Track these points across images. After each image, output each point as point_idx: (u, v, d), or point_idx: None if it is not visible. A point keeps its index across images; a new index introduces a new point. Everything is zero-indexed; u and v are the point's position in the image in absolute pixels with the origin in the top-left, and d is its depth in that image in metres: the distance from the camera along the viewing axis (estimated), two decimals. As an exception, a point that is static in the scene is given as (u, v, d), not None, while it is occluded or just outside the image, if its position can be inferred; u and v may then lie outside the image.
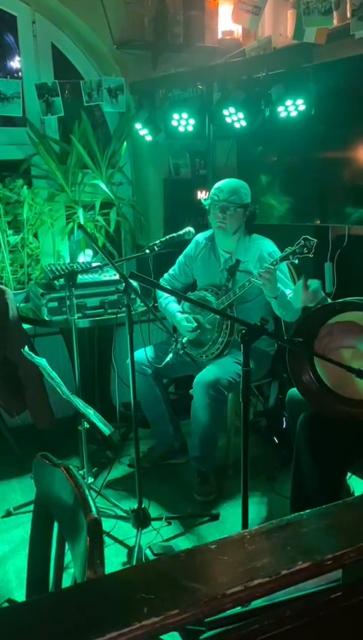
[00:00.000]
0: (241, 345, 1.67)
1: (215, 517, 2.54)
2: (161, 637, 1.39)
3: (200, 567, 0.73)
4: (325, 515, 0.85)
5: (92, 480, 2.75)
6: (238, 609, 0.88)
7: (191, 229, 2.75)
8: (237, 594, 0.68)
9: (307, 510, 0.84)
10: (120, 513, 2.51)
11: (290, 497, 2.18)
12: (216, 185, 2.75)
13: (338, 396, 1.94)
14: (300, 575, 0.72)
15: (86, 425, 2.41)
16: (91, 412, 2.13)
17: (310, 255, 2.35)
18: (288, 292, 2.57)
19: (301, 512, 0.84)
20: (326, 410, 1.95)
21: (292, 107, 2.95)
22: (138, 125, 3.34)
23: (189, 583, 0.69)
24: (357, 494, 2.38)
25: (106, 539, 2.40)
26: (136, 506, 2.32)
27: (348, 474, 2.26)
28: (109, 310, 2.99)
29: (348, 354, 1.86)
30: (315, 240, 2.33)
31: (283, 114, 2.98)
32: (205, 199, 2.80)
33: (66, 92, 3.41)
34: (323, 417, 1.96)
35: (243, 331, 1.65)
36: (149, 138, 3.36)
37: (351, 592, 0.76)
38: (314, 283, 2.07)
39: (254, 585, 0.69)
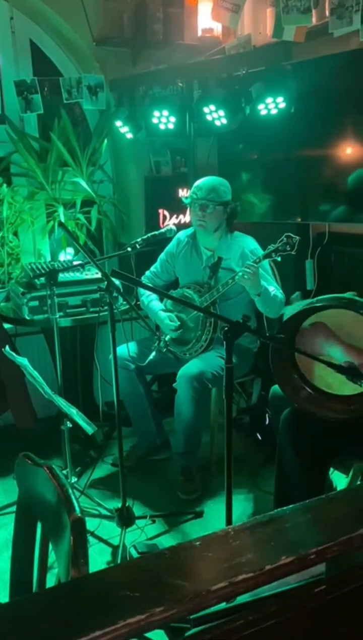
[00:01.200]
0: (224, 342, 1.67)
1: (199, 515, 2.55)
2: (148, 635, 1.39)
3: (185, 564, 0.73)
4: (308, 510, 0.85)
5: (76, 479, 2.73)
6: (223, 605, 0.88)
7: (173, 226, 2.75)
8: (222, 589, 0.68)
9: (290, 505, 0.85)
10: (104, 512, 2.50)
11: (273, 494, 2.19)
12: (196, 183, 2.75)
13: (322, 393, 1.96)
14: (284, 569, 0.72)
15: (69, 424, 2.40)
16: (73, 412, 2.11)
17: (293, 253, 2.36)
18: (272, 289, 2.58)
19: (285, 507, 0.85)
20: (309, 408, 1.96)
21: (272, 105, 2.96)
22: (118, 123, 3.32)
23: (174, 580, 0.69)
24: (339, 488, 2.41)
25: (90, 539, 2.39)
26: (120, 505, 2.31)
27: (331, 469, 2.29)
28: (91, 309, 2.98)
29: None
30: (298, 237, 2.34)
31: (264, 112, 2.99)
32: (186, 197, 2.80)
33: (46, 89, 3.38)
34: (304, 413, 1.97)
35: (226, 328, 1.66)
36: (129, 136, 3.35)
37: (335, 585, 0.77)
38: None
39: (239, 580, 0.69)
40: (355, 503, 0.88)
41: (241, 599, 0.80)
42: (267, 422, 2.97)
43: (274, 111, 2.98)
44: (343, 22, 2.60)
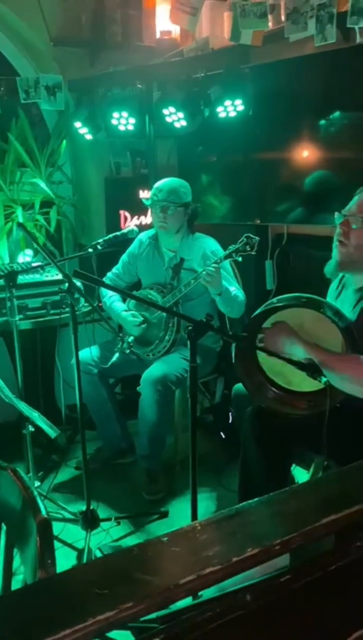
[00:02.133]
0: (188, 342, 1.68)
1: (164, 515, 2.55)
2: (114, 636, 1.38)
3: (152, 559, 0.73)
4: (272, 502, 0.87)
5: (39, 484, 2.70)
6: (189, 600, 0.89)
7: (134, 227, 2.75)
8: (190, 583, 0.69)
9: (255, 499, 0.87)
10: (68, 516, 2.47)
11: (237, 491, 2.22)
12: (156, 184, 2.76)
13: (284, 390, 1.99)
14: (250, 561, 0.74)
15: (31, 428, 2.36)
16: (35, 415, 2.09)
17: (253, 253, 2.40)
18: (232, 289, 2.61)
19: (250, 501, 0.86)
20: (272, 405, 2.00)
21: (231, 108, 3.00)
22: (77, 124, 3.30)
23: (142, 576, 0.69)
24: (301, 484, 2.45)
25: (55, 543, 2.35)
26: (84, 508, 2.30)
27: (293, 465, 2.33)
28: (52, 311, 2.94)
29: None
30: (257, 238, 2.38)
31: (222, 114, 3.03)
32: (146, 199, 2.81)
33: (2, 89, 3.32)
34: (268, 411, 2.00)
35: (190, 327, 1.67)
36: (89, 137, 3.33)
37: (299, 574, 0.79)
38: None
39: (206, 573, 0.70)
40: (317, 495, 0.90)
41: (209, 595, 0.82)
42: (230, 421, 3.00)
43: (232, 114, 3.02)
44: (299, 27, 2.66)
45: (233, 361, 2.02)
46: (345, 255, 1.88)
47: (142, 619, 1.51)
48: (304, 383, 1.91)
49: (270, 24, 2.86)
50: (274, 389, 2.02)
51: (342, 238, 1.88)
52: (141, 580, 0.68)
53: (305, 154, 2.96)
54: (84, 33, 3.37)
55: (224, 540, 0.77)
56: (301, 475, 2.52)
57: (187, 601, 0.92)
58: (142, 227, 3.11)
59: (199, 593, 1.02)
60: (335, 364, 1.74)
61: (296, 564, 0.82)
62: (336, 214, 1.90)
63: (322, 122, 2.87)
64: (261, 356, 2.00)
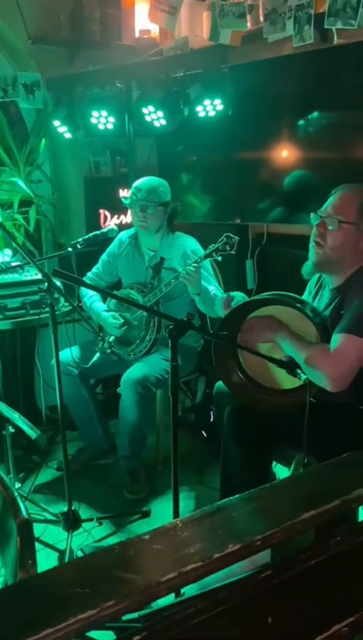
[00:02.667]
0: (169, 341, 1.68)
1: (146, 514, 2.55)
2: (96, 637, 1.38)
3: (134, 557, 0.73)
4: (253, 499, 0.88)
5: (20, 485, 2.68)
6: (171, 598, 0.89)
7: (114, 226, 2.74)
8: (172, 580, 0.69)
9: (236, 495, 0.87)
10: (49, 517, 2.46)
11: (219, 489, 2.23)
12: (135, 184, 2.76)
13: (263, 387, 2.01)
14: (232, 557, 0.74)
15: (11, 429, 2.34)
16: (15, 416, 2.07)
17: (233, 252, 2.41)
18: (212, 289, 2.62)
19: (231, 498, 0.87)
20: (252, 403, 2.01)
21: (210, 107, 3.01)
22: (56, 123, 3.28)
23: (124, 574, 0.69)
24: (282, 481, 2.47)
25: (36, 545, 2.34)
26: (65, 509, 2.28)
27: (274, 463, 2.35)
28: (31, 311, 2.91)
29: (266, 348, 1.92)
30: (237, 237, 2.39)
31: (202, 114, 3.04)
32: (126, 198, 2.80)
33: (-21, 87, 3.28)
34: (248, 409, 2.01)
35: (171, 326, 1.67)
36: (68, 135, 3.31)
37: (280, 569, 0.80)
38: (238, 295, 2.11)
39: (188, 570, 0.70)
40: (296, 491, 0.92)
41: (192, 592, 0.82)
42: (212, 420, 3.01)
43: (212, 113, 3.03)
44: (277, 27, 2.68)
45: (212, 357, 2.02)
46: (322, 256, 1.90)
47: (125, 618, 1.51)
48: (285, 380, 1.93)
49: (248, 24, 2.87)
50: (253, 386, 2.03)
51: (318, 239, 1.90)
52: (122, 579, 0.69)
53: (284, 153, 2.98)
54: (62, 31, 3.35)
55: (205, 537, 0.77)
56: (282, 473, 2.55)
57: (170, 599, 0.93)
58: (122, 227, 3.10)
59: (182, 591, 1.03)
60: (306, 349, 1.78)
61: (277, 560, 0.83)
62: (312, 215, 1.92)
63: (301, 122, 2.90)
64: (241, 353, 2.02)
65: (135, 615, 1.44)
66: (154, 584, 0.68)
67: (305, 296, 2.13)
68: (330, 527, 0.86)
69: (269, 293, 1.97)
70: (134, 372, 2.63)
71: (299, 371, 1.74)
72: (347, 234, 1.84)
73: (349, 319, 1.78)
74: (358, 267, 1.89)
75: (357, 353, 1.74)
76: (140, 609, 0.70)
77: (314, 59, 2.73)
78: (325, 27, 2.48)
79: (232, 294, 2.10)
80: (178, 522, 0.80)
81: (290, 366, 1.73)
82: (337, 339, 1.77)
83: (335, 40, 2.61)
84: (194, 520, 0.80)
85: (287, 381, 1.92)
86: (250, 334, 1.93)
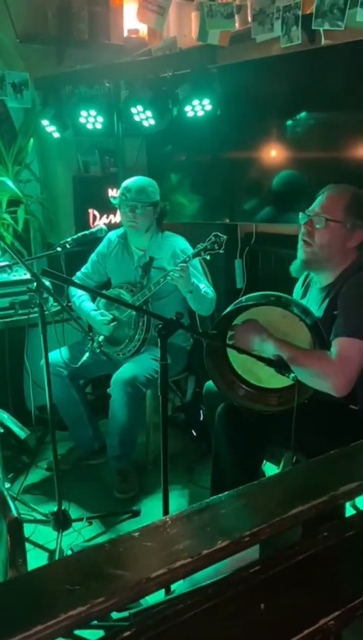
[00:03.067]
0: (158, 341, 1.69)
1: (136, 514, 2.56)
2: (86, 635, 1.38)
3: (124, 554, 0.74)
4: (242, 496, 0.89)
5: (9, 485, 2.67)
6: (162, 595, 0.90)
7: (103, 226, 2.74)
8: (161, 576, 0.70)
9: (225, 493, 0.88)
10: (39, 517, 2.45)
11: (210, 488, 2.24)
12: (124, 184, 2.76)
13: (254, 387, 2.02)
14: (220, 553, 0.75)
15: (0, 430, 2.34)
16: (4, 417, 2.07)
17: (221, 251, 2.42)
18: (202, 287, 2.63)
19: (219, 495, 0.88)
20: (242, 402, 2.02)
21: (199, 107, 3.02)
22: (44, 122, 3.27)
23: (114, 571, 0.70)
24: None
25: (26, 545, 2.33)
26: (55, 509, 2.28)
27: (263, 461, 2.36)
28: (20, 311, 2.91)
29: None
30: (225, 236, 2.40)
31: (191, 114, 3.04)
32: (115, 198, 2.80)
33: (-33, 85, 3.26)
34: (239, 408, 2.02)
35: (160, 326, 1.68)
36: (56, 135, 3.30)
37: (268, 565, 0.81)
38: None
39: (177, 566, 0.71)
40: (284, 487, 0.93)
41: (182, 590, 0.83)
42: (202, 419, 3.02)
43: (200, 113, 3.04)
44: (265, 28, 2.70)
45: (204, 357, 2.03)
46: (310, 254, 1.91)
47: (116, 617, 1.52)
48: (273, 379, 1.95)
49: (236, 24, 2.88)
50: (244, 386, 2.04)
51: (306, 238, 1.91)
52: (112, 575, 0.69)
53: (273, 153, 3.00)
54: (50, 30, 3.33)
55: (194, 533, 0.78)
56: (272, 471, 2.56)
57: (160, 597, 0.94)
58: (111, 226, 3.10)
59: (173, 589, 1.04)
60: (303, 360, 1.77)
61: (265, 555, 0.84)
62: (300, 214, 1.94)
63: (289, 122, 2.92)
64: (231, 353, 2.02)
65: (126, 614, 1.45)
66: (143, 580, 0.69)
67: (295, 296, 2.14)
68: (317, 523, 0.87)
69: (258, 294, 1.97)
70: (124, 372, 2.63)
71: (286, 371, 1.74)
72: (335, 232, 1.86)
73: (347, 322, 1.77)
74: (346, 265, 1.90)
75: (360, 355, 1.74)
76: (130, 604, 0.71)
77: (302, 59, 2.74)
78: (313, 28, 2.50)
79: None
80: (168, 519, 0.81)
81: (279, 365, 1.74)
82: (338, 343, 1.76)
83: (323, 41, 2.63)
84: (183, 517, 0.81)
85: (275, 380, 1.93)
86: (235, 339, 1.91)
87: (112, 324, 2.76)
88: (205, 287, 2.67)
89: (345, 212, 1.86)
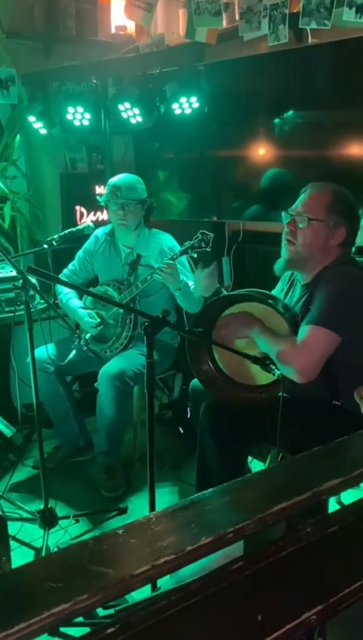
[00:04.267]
0: (145, 338, 1.69)
1: (123, 511, 2.56)
2: (72, 633, 1.37)
3: (108, 551, 0.74)
4: (226, 492, 0.89)
5: (-5, 484, 2.66)
6: (148, 591, 0.90)
7: (90, 223, 2.73)
8: (145, 573, 0.70)
9: (209, 489, 0.88)
10: (26, 515, 2.44)
11: (195, 485, 2.24)
12: (112, 181, 2.74)
13: (236, 383, 2.03)
14: (204, 549, 0.76)
15: (-14, 427, 2.33)
16: (-10, 414, 2.06)
17: (208, 249, 2.42)
18: (190, 284, 2.64)
19: (204, 492, 0.88)
20: (224, 397, 2.03)
21: (186, 105, 3.02)
22: (31, 118, 3.25)
23: (98, 568, 0.70)
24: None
25: (12, 543, 2.33)
26: (42, 507, 2.27)
27: (250, 459, 2.37)
28: (7, 308, 2.90)
29: (242, 344, 1.94)
30: (212, 234, 2.41)
31: (178, 111, 3.04)
32: (102, 196, 2.79)
33: None
34: (223, 405, 2.03)
35: (146, 323, 1.68)
36: (43, 131, 3.28)
37: (252, 561, 0.81)
38: (206, 270, 2.17)
39: (161, 563, 0.71)
40: (269, 483, 0.93)
41: (167, 586, 0.83)
42: (189, 416, 3.02)
43: (188, 111, 3.04)
44: (252, 26, 2.70)
45: (186, 352, 2.04)
46: (294, 253, 1.93)
47: (102, 614, 1.51)
48: (259, 375, 1.96)
49: (224, 22, 2.89)
50: (226, 381, 2.05)
51: (289, 237, 1.93)
52: (96, 572, 0.69)
53: (260, 151, 3.01)
54: (37, 26, 3.32)
55: (178, 530, 0.78)
56: (259, 468, 2.57)
57: (146, 594, 0.94)
58: (98, 223, 3.09)
59: (159, 585, 1.04)
60: (273, 342, 1.82)
61: (250, 551, 0.85)
62: (283, 214, 1.95)
63: (276, 120, 2.93)
64: (216, 349, 2.03)
65: (111, 611, 1.45)
66: (127, 577, 0.69)
67: (277, 292, 2.16)
68: (301, 519, 0.88)
69: (243, 290, 1.99)
70: (112, 366, 2.63)
71: (273, 367, 1.76)
72: (317, 231, 1.88)
73: (315, 311, 1.81)
74: (328, 262, 1.92)
75: (323, 344, 1.78)
76: (114, 601, 0.71)
77: (289, 58, 2.76)
78: (300, 27, 2.51)
79: (205, 269, 2.14)
80: (152, 516, 0.81)
81: (264, 362, 1.75)
82: (303, 331, 1.81)
83: (310, 40, 2.64)
84: (167, 514, 0.81)
85: (261, 377, 1.94)
86: (226, 330, 1.95)
87: (99, 327, 2.76)
88: (193, 284, 2.67)
89: (327, 210, 1.88)
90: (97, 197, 2.82)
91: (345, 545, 0.89)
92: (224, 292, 2.20)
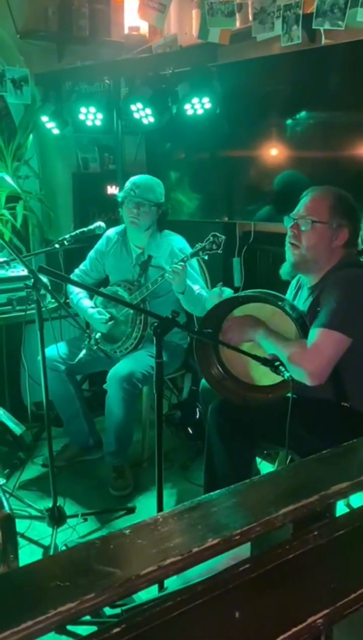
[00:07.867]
0: (154, 339, 1.70)
1: (131, 511, 2.56)
2: (78, 632, 1.38)
3: (115, 551, 0.74)
4: (234, 494, 0.89)
5: (5, 481, 2.66)
6: (155, 592, 0.90)
7: (102, 223, 2.74)
8: (151, 573, 0.70)
9: (217, 491, 0.88)
10: (34, 513, 2.45)
11: (203, 486, 2.24)
12: (133, 179, 2.75)
13: (243, 383, 2.03)
14: (211, 551, 0.76)
15: (-4, 425, 2.34)
16: (0, 412, 2.07)
17: (219, 252, 2.42)
18: (196, 288, 2.63)
19: (211, 493, 0.88)
20: (232, 398, 2.03)
21: (198, 105, 3.01)
22: (44, 118, 3.27)
23: (105, 568, 0.70)
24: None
25: (20, 540, 2.34)
26: (50, 505, 2.28)
27: (259, 460, 2.37)
28: (18, 307, 2.91)
29: (247, 346, 1.95)
30: (224, 236, 2.40)
31: (190, 112, 3.04)
32: (120, 192, 2.80)
33: (-33, 81, 3.26)
34: (230, 405, 2.03)
35: (155, 324, 1.68)
36: (56, 131, 3.30)
37: (258, 563, 0.81)
38: (227, 291, 2.16)
39: (167, 564, 0.72)
40: (277, 486, 0.93)
41: (174, 587, 0.83)
42: (198, 416, 3.02)
43: (200, 111, 3.03)
44: (266, 27, 2.69)
45: (194, 353, 2.05)
46: (298, 256, 1.94)
47: (109, 613, 1.52)
48: (265, 377, 1.95)
49: (237, 23, 2.88)
50: (233, 382, 2.05)
51: (293, 240, 1.94)
52: (102, 572, 0.70)
53: (273, 152, 3.00)
54: (51, 26, 3.33)
55: (185, 531, 0.79)
56: (267, 470, 2.57)
57: (153, 594, 0.94)
58: (109, 223, 3.10)
59: (166, 585, 1.04)
60: (283, 347, 1.82)
61: (256, 554, 0.84)
62: (285, 218, 1.96)
63: (289, 121, 2.91)
64: (222, 350, 2.04)
65: (118, 610, 1.45)
66: (133, 577, 0.69)
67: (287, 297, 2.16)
68: (308, 522, 0.88)
69: (251, 291, 1.99)
70: (121, 368, 2.63)
71: (282, 368, 1.76)
72: (321, 233, 1.88)
73: (325, 314, 1.81)
74: (333, 263, 1.92)
75: (333, 346, 1.77)
76: (120, 600, 0.71)
77: (302, 58, 2.74)
78: (313, 27, 2.49)
79: (224, 289, 2.14)
80: (159, 517, 0.81)
81: (273, 364, 1.75)
82: (314, 334, 1.80)
83: (323, 41, 2.63)
84: (174, 515, 0.81)
85: (266, 377, 1.94)
86: (231, 334, 1.95)
87: (109, 322, 2.76)
88: (200, 288, 2.66)
89: (330, 212, 1.88)
90: (117, 195, 2.81)
91: (352, 549, 0.89)
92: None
